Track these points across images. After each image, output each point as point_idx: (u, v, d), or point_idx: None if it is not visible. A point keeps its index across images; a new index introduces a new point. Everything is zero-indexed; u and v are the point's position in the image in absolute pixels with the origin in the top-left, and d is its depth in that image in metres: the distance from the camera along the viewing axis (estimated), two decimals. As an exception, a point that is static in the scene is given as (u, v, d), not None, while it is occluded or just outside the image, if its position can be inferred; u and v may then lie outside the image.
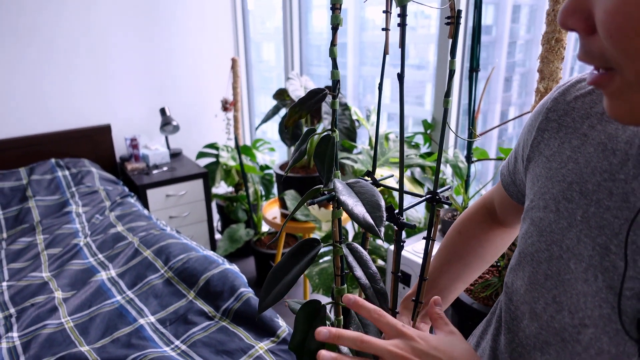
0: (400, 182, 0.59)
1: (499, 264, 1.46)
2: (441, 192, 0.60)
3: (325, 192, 0.57)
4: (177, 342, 1.34)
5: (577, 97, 0.50)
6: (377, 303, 0.55)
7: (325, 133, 0.55)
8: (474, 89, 1.59)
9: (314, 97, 0.53)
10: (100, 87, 2.71)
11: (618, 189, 0.42)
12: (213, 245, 2.87)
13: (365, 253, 0.59)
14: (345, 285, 0.62)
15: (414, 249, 1.60)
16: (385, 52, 0.58)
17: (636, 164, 0.41)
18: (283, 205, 2.29)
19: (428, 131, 2.04)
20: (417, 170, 1.92)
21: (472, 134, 1.55)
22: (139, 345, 1.32)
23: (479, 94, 1.60)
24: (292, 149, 2.87)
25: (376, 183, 0.67)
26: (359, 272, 0.56)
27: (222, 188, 3.25)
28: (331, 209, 0.60)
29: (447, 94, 0.55)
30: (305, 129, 2.65)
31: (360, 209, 0.49)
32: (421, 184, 1.92)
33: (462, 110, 2.10)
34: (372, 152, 2.03)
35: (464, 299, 1.35)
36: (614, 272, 0.41)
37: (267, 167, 3.03)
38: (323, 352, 0.47)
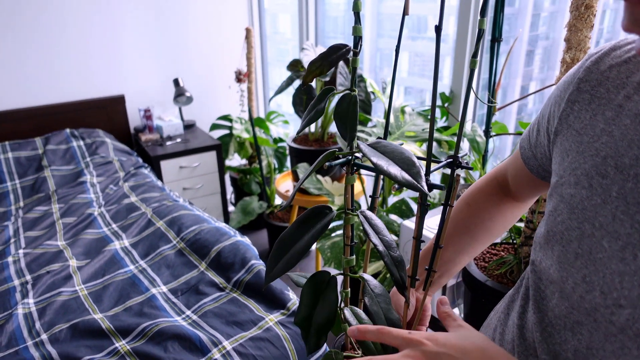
0: (430, 144, 0.55)
1: (514, 241, 1.43)
2: (460, 157, 0.57)
3: (340, 157, 0.55)
4: (188, 312, 1.35)
5: (612, 66, 0.47)
6: (394, 271, 0.54)
7: (344, 91, 0.52)
8: (496, 59, 1.52)
9: (337, 52, 0.50)
10: (114, 58, 2.69)
11: None
12: (226, 218, 2.88)
13: (379, 221, 0.57)
14: (354, 256, 0.60)
15: (427, 225, 1.57)
16: (405, 13, 0.54)
17: None
18: (296, 178, 2.27)
19: (445, 104, 1.98)
20: (434, 144, 1.87)
21: (492, 106, 1.49)
22: (150, 314, 1.33)
23: (500, 65, 1.53)
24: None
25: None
26: (375, 239, 0.54)
27: (235, 160, 3.24)
28: (344, 183, 0.57)
29: (475, 54, 0.52)
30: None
31: (395, 169, 0.47)
32: (437, 159, 1.88)
33: (481, 84, 2.02)
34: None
35: (478, 276, 1.32)
36: None
37: (281, 140, 3.01)
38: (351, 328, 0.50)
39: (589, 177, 0.45)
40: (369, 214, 0.57)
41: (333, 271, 0.58)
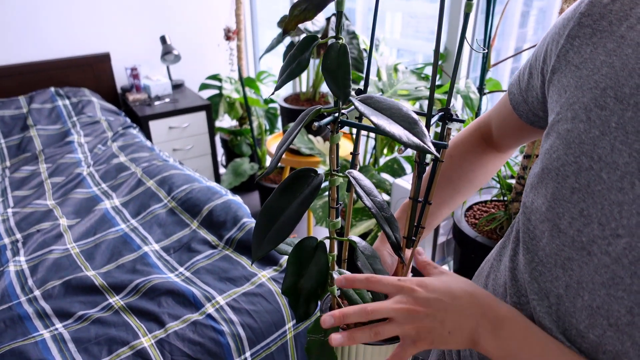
0: (430, 101, 0.52)
1: (505, 197, 1.44)
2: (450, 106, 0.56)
3: (325, 115, 0.51)
4: (181, 269, 1.36)
5: None
6: (389, 231, 0.53)
7: (330, 39, 0.46)
8: (492, 15, 1.49)
9: None
10: (99, 14, 2.59)
11: None
12: (217, 179, 2.87)
13: (369, 182, 0.55)
14: (340, 218, 0.58)
15: (407, 179, 1.57)
16: None
17: None
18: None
19: (439, 62, 1.95)
20: (427, 102, 1.85)
21: (487, 61, 1.47)
22: (143, 271, 1.34)
23: (495, 20, 1.50)
24: (297, 80, 2.78)
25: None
26: (367, 201, 0.52)
27: (225, 121, 3.19)
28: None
29: None
30: (310, 59, 2.55)
31: (397, 129, 0.43)
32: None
33: (475, 46, 1.98)
34: (380, 84, 1.95)
35: (468, 232, 1.34)
36: None
37: (272, 101, 2.96)
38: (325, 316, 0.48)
39: (587, 110, 0.45)
40: (358, 174, 0.54)
41: (320, 235, 0.57)
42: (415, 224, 0.61)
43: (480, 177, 0.73)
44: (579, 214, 0.45)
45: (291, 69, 0.47)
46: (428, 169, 0.62)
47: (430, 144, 0.43)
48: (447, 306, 0.48)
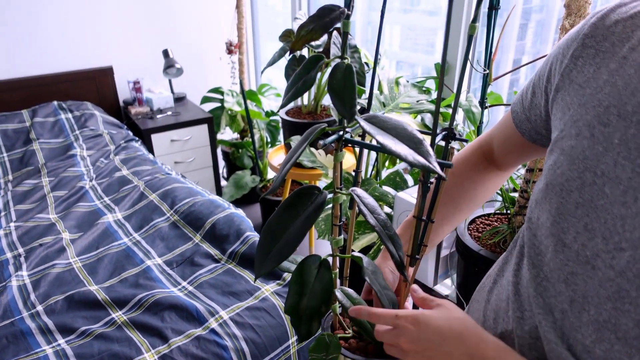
0: (435, 120, 0.53)
1: (508, 211, 1.44)
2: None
3: (330, 133, 0.51)
4: (184, 283, 1.36)
5: (617, 21, 0.47)
6: (393, 250, 0.54)
7: (335, 59, 0.47)
8: (492, 28, 1.50)
9: (329, 14, 0.45)
10: (101, 28, 2.61)
11: None
12: (219, 192, 2.87)
13: (371, 199, 0.55)
14: (342, 235, 0.58)
15: (411, 194, 1.58)
16: None
17: None
18: (289, 151, 2.26)
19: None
20: (428, 115, 1.86)
21: (488, 76, 1.48)
22: (146, 285, 1.33)
23: (496, 34, 1.51)
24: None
25: None
26: (371, 219, 0.53)
27: (227, 134, 3.20)
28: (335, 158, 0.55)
29: (474, 20, 0.50)
30: (311, 72, 2.57)
31: (403, 148, 0.43)
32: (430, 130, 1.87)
33: (475, 57, 2.00)
34: (382, 97, 1.96)
35: (472, 245, 1.33)
36: None
37: (273, 113, 2.97)
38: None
39: (590, 127, 0.46)
40: (361, 192, 0.54)
41: (321, 248, 0.56)
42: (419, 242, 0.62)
43: (481, 194, 0.74)
44: (583, 228, 0.45)
45: (297, 87, 0.48)
46: (431, 187, 0.63)
47: (435, 164, 0.44)
48: (435, 346, 0.52)
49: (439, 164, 0.52)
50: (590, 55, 0.49)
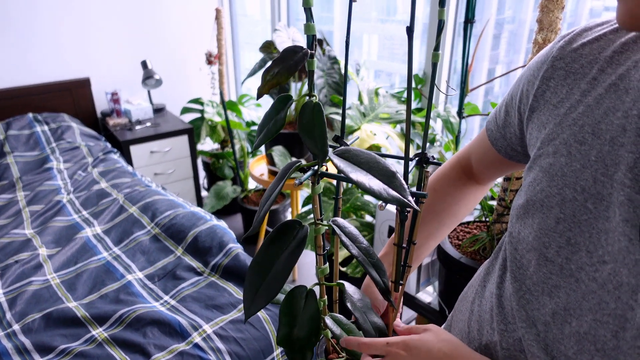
0: (406, 149, 0.53)
1: (487, 219, 1.47)
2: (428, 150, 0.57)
3: (305, 168, 0.51)
4: (166, 297, 1.34)
5: (584, 44, 0.50)
6: (376, 277, 0.54)
7: (305, 98, 0.47)
8: (468, 41, 1.54)
9: (293, 57, 0.45)
10: (78, 38, 2.58)
11: (631, 125, 0.43)
12: (200, 203, 2.85)
13: (352, 227, 0.55)
14: (327, 264, 0.59)
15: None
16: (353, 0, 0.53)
17: None
18: (271, 161, 2.26)
19: (419, 86, 2.00)
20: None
21: (465, 87, 1.52)
22: (127, 300, 1.31)
23: (472, 47, 1.55)
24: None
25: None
26: (354, 250, 0.53)
27: (207, 145, 3.18)
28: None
29: (437, 48, 0.51)
30: (292, 84, 2.58)
31: (376, 184, 0.44)
32: (411, 140, 1.90)
33: (452, 67, 2.05)
34: (362, 108, 1.99)
35: (452, 253, 1.36)
36: (629, 205, 0.42)
37: (254, 124, 2.97)
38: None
39: (567, 145, 0.48)
40: (342, 222, 0.54)
41: (309, 283, 0.57)
42: (402, 263, 0.63)
43: (462, 209, 0.76)
44: (566, 242, 0.47)
45: (268, 128, 0.48)
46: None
47: (409, 198, 0.44)
48: None
49: (414, 194, 0.52)
50: (561, 77, 0.51)
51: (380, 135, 1.87)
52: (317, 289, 0.59)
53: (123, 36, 2.72)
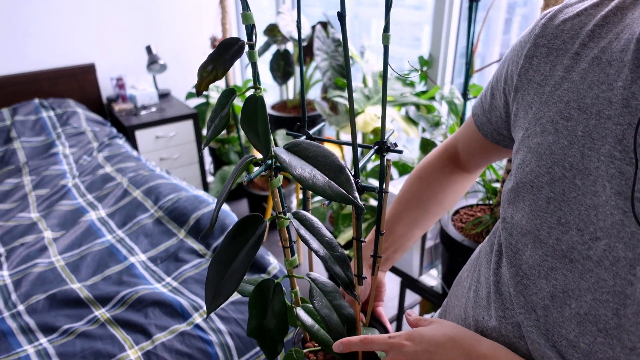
0: (353, 137, 0.50)
1: (490, 201, 1.45)
2: (387, 137, 0.54)
3: (260, 163, 0.49)
4: (168, 279, 1.35)
5: (565, 20, 0.50)
6: (339, 271, 0.52)
7: (249, 92, 0.45)
8: (474, 21, 1.51)
9: (229, 51, 0.43)
10: (83, 24, 2.58)
11: (617, 97, 0.42)
12: (205, 188, 2.85)
13: (315, 220, 0.53)
14: (296, 255, 0.58)
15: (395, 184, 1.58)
16: None
17: (633, 69, 0.42)
18: (275, 145, 2.25)
19: (424, 68, 1.97)
20: (412, 108, 1.87)
21: (470, 69, 1.49)
22: (130, 282, 1.32)
23: (478, 26, 1.52)
24: (284, 87, 2.79)
25: (309, 137, 0.58)
26: (314, 244, 0.50)
27: (213, 130, 3.18)
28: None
29: (386, 29, 0.46)
30: (296, 67, 2.56)
31: (321, 179, 0.42)
32: (415, 123, 1.88)
33: (459, 52, 2.01)
34: (365, 91, 1.96)
35: (455, 236, 1.34)
36: (621, 178, 0.41)
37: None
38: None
39: (554, 123, 0.47)
40: (303, 214, 0.52)
41: (279, 273, 0.57)
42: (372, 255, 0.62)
43: (448, 197, 0.75)
44: (557, 222, 0.46)
45: (215, 124, 0.46)
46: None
47: (355, 194, 0.42)
48: (432, 355, 0.51)
49: (361, 188, 0.49)
50: (543, 54, 0.50)
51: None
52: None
53: (128, 21, 2.71)
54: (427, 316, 0.61)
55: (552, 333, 0.47)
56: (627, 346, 0.41)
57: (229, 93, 0.45)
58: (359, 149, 0.58)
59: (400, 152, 0.54)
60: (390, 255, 0.73)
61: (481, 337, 0.52)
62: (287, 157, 0.44)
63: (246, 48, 0.43)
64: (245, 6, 0.42)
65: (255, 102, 0.44)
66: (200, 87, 0.44)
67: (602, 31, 0.46)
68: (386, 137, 0.55)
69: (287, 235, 0.55)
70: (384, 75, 0.48)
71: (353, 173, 0.49)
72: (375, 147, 0.54)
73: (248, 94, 0.45)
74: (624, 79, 0.42)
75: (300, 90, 0.59)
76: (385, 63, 0.47)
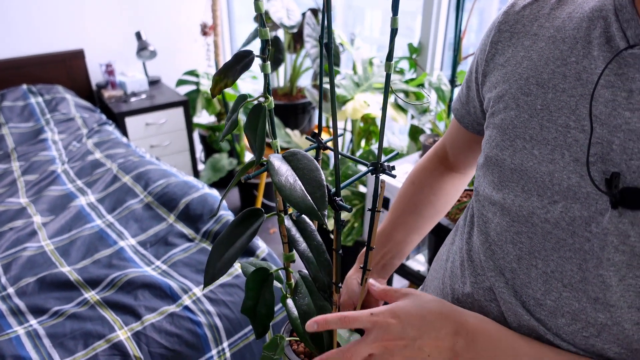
0: (336, 156, 0.51)
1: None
2: (387, 160, 0.54)
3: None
4: (157, 263, 1.36)
5: (524, 6, 0.54)
6: (322, 276, 0.52)
7: (258, 100, 0.49)
8: (462, 7, 1.52)
9: (240, 62, 0.48)
10: (72, 9, 2.55)
11: (570, 71, 0.46)
12: (196, 175, 2.86)
13: (310, 223, 0.55)
14: (294, 251, 0.59)
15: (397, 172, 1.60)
16: None
17: (585, 45, 0.46)
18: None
19: (413, 56, 1.98)
20: (401, 95, 1.88)
21: (458, 55, 1.50)
22: (119, 265, 1.33)
23: (466, 15, 1.53)
24: (274, 75, 2.79)
25: (320, 146, 0.59)
26: (302, 246, 0.52)
27: (203, 117, 3.17)
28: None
29: (389, 57, 0.48)
30: (287, 54, 2.56)
31: (299, 192, 0.44)
32: (404, 110, 1.89)
33: (448, 41, 2.01)
34: (355, 78, 1.97)
35: (441, 220, 1.37)
36: (576, 145, 0.45)
37: (250, 96, 2.95)
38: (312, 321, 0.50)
39: (515, 99, 0.51)
40: (301, 218, 0.55)
41: (274, 265, 0.58)
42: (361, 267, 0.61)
43: (442, 200, 0.75)
44: (521, 190, 0.49)
45: (228, 126, 0.51)
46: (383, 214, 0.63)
47: (324, 212, 0.43)
48: (421, 333, 0.49)
49: (338, 206, 0.50)
50: (506, 39, 0.54)
51: (374, 106, 1.86)
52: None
53: (117, 7, 2.68)
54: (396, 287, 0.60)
55: (520, 294, 0.50)
56: (592, 297, 0.45)
57: (241, 99, 0.50)
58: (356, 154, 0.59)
59: (393, 176, 0.53)
60: (389, 261, 0.73)
61: (466, 311, 0.53)
62: (279, 164, 0.46)
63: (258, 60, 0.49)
64: (262, 23, 0.45)
65: (259, 111, 0.48)
66: (214, 91, 0.49)
67: (557, 12, 0.51)
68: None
69: (286, 232, 0.56)
70: (383, 107, 0.49)
71: (334, 190, 0.50)
72: (370, 168, 0.53)
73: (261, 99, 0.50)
74: (577, 55, 0.46)
75: (330, 74, 0.61)
76: (386, 90, 0.48)
